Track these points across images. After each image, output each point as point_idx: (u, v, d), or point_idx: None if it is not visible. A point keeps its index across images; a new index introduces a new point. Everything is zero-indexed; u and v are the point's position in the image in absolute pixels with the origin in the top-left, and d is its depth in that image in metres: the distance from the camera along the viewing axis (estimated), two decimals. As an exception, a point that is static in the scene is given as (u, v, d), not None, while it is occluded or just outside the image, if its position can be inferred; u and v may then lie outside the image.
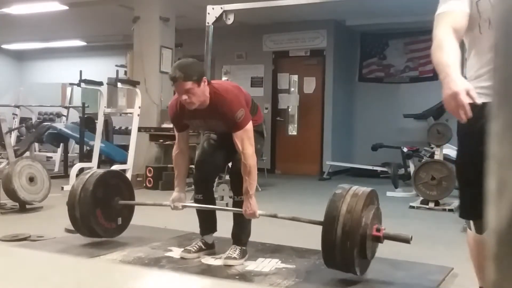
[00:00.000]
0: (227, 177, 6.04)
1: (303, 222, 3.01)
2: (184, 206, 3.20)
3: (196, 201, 3.25)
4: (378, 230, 2.72)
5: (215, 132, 3.23)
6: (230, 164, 3.50)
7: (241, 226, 3.17)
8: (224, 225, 3.30)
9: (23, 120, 9.99)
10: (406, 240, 2.74)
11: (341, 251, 2.59)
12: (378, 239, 2.73)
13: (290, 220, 3.12)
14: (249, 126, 2.91)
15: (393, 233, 2.77)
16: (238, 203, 3.09)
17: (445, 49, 1.81)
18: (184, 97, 2.84)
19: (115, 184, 3.54)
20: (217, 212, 3.36)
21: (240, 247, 3.14)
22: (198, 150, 3.28)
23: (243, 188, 2.96)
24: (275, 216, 3.09)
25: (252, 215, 2.98)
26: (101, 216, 3.36)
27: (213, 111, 2.91)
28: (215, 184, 6.06)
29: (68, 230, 3.99)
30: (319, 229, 2.68)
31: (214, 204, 3.35)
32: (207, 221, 3.30)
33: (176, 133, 3.18)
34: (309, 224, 2.93)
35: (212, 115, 2.94)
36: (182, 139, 3.16)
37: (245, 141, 2.88)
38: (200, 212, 3.28)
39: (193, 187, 3.38)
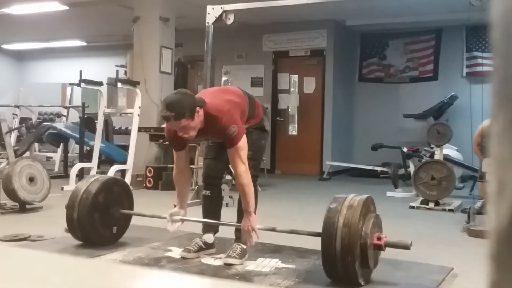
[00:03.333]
0: (228, 177, 6.04)
1: (302, 235, 2.99)
2: (183, 220, 3.20)
3: (203, 197, 3.33)
4: (379, 238, 2.70)
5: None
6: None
7: None
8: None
9: (23, 120, 9.99)
10: (406, 247, 2.74)
11: (342, 265, 2.58)
12: (379, 248, 2.73)
13: (289, 233, 3.10)
14: (242, 142, 2.89)
15: (393, 241, 2.76)
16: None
17: None
18: (180, 133, 2.84)
19: (118, 193, 3.53)
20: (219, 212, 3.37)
21: (240, 246, 3.14)
22: (206, 149, 3.33)
23: (242, 205, 3.00)
24: (273, 230, 3.07)
25: (249, 233, 2.97)
26: (98, 221, 3.35)
27: (209, 130, 2.92)
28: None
29: (68, 230, 3.99)
30: (319, 228, 2.68)
31: (221, 201, 3.41)
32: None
33: (174, 153, 3.17)
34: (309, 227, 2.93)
35: (208, 132, 2.97)
36: (180, 159, 3.14)
37: (237, 159, 2.89)
38: (205, 210, 3.33)
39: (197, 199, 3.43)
